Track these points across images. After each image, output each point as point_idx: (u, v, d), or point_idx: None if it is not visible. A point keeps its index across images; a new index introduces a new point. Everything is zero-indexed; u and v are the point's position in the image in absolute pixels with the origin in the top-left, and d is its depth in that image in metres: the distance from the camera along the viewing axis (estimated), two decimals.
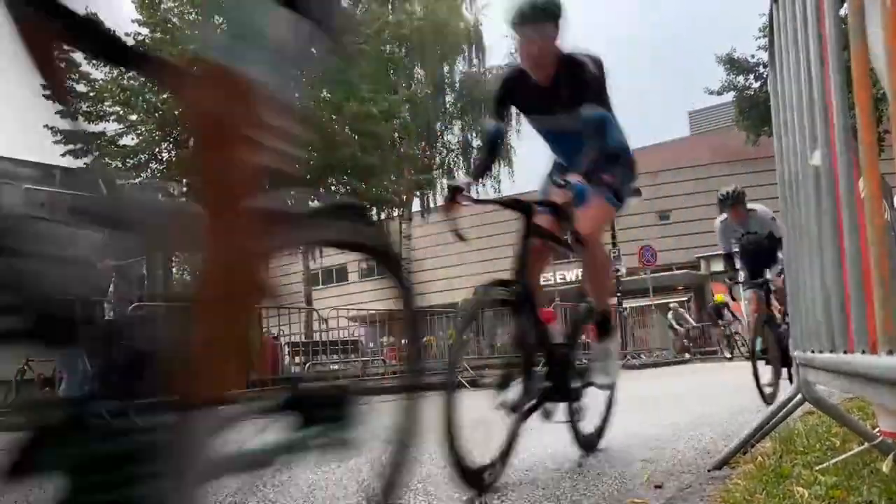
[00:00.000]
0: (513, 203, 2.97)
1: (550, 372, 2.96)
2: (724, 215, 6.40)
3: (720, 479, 2.60)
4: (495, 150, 3.48)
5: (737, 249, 6.60)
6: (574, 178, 2.83)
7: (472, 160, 26.35)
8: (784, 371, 5.91)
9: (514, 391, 2.76)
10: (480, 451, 2.58)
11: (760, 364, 5.94)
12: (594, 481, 2.79)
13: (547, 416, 2.99)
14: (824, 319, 2.08)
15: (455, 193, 3.12)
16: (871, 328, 1.53)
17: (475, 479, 2.51)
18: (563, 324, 3.36)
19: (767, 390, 5.67)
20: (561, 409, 3.07)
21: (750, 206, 6.27)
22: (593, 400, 3.35)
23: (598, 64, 3.11)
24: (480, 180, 3.46)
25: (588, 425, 3.34)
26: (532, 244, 2.91)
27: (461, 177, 4.13)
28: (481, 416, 2.58)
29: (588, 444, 3.37)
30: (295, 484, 3.20)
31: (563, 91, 3.10)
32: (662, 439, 3.88)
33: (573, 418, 3.19)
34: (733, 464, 2.79)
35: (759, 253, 6.34)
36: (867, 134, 1.52)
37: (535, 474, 3.02)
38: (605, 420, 3.56)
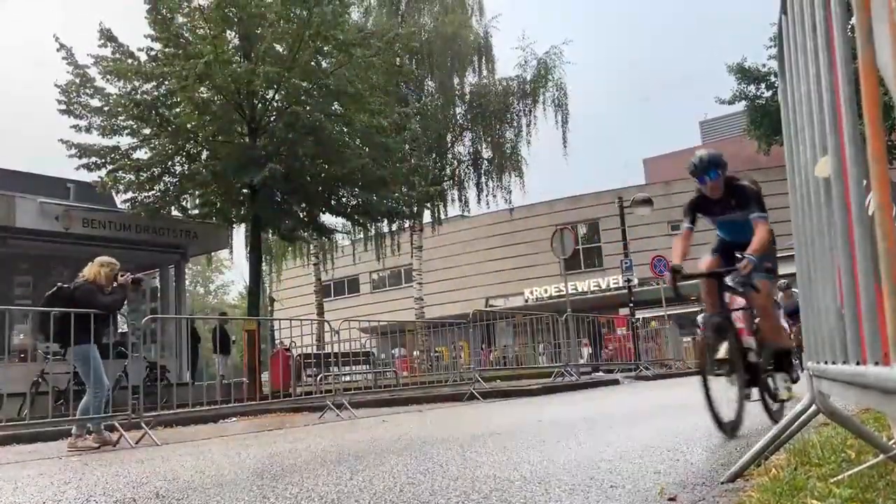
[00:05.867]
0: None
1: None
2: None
3: (734, 492, 2.59)
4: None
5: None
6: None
7: (483, 173, 26.35)
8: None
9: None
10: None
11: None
12: (608, 493, 2.77)
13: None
14: (837, 330, 2.06)
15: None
16: (884, 339, 1.52)
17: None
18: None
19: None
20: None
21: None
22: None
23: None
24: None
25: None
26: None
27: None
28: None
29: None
30: (307, 497, 3.20)
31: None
32: (675, 451, 3.85)
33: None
34: (747, 476, 2.77)
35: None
36: (876, 144, 1.52)
37: (547, 487, 3.01)
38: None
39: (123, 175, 14.95)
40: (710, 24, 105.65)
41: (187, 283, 24.96)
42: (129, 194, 15.40)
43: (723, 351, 4.38)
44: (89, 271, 7.55)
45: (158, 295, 18.22)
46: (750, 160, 32.75)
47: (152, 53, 14.73)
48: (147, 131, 15.12)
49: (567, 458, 3.92)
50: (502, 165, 26.11)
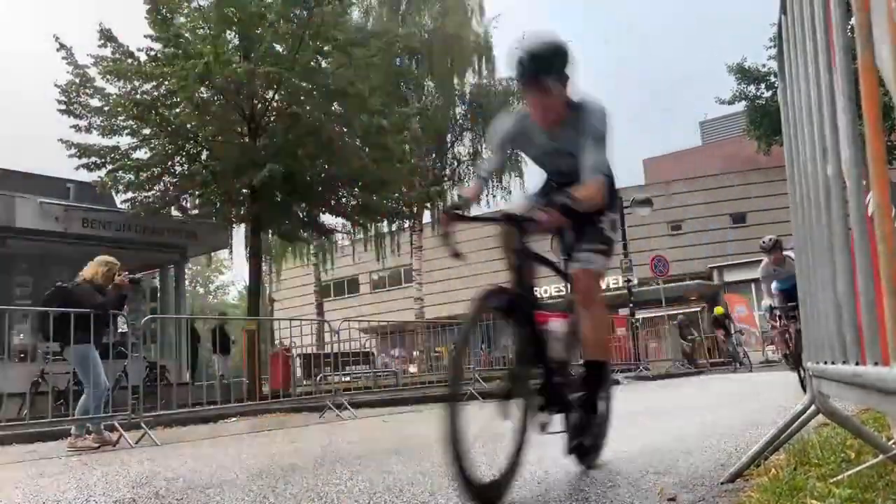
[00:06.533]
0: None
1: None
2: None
3: (733, 492, 2.59)
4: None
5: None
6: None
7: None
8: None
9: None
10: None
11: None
12: (606, 493, 2.77)
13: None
14: (836, 331, 2.07)
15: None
16: (883, 340, 1.52)
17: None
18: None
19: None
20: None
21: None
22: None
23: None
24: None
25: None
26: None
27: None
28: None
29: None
30: (308, 497, 3.20)
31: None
32: (675, 451, 3.85)
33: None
34: (747, 476, 2.77)
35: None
36: (876, 144, 1.52)
37: (547, 486, 3.01)
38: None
39: (123, 175, 14.95)
40: (710, 24, 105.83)
41: (187, 283, 24.95)
42: (129, 194, 15.40)
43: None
44: (88, 271, 7.55)
45: (158, 295, 18.23)
46: (750, 160, 32.81)
47: (152, 53, 14.73)
48: (147, 131, 15.12)
49: (566, 457, 3.92)
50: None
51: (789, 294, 7.82)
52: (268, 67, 13.91)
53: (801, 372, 7.43)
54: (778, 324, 8.48)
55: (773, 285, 8.37)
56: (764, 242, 8.18)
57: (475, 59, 26.50)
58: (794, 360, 8.06)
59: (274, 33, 14.56)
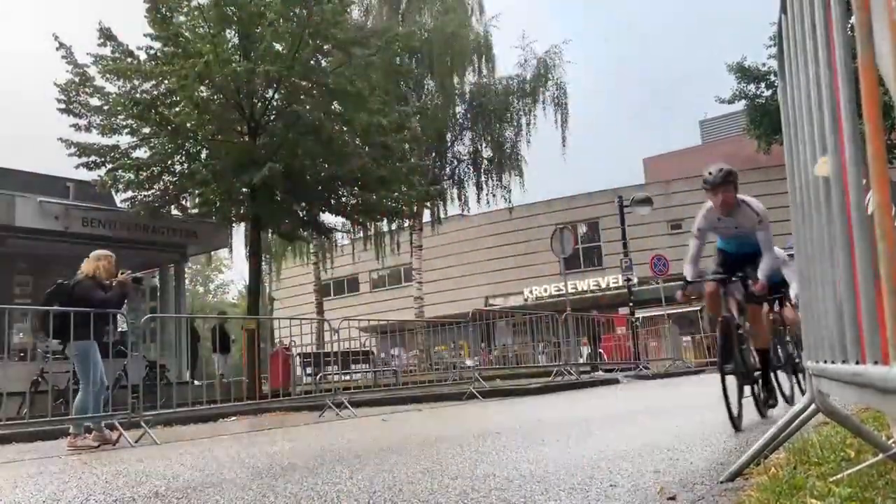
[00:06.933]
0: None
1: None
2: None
3: (733, 491, 2.59)
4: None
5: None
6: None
7: (482, 172, 26.34)
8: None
9: None
10: None
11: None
12: (607, 492, 2.77)
13: None
14: (836, 330, 2.07)
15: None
16: (883, 339, 1.52)
17: None
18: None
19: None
20: None
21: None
22: None
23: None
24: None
25: None
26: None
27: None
28: None
29: None
30: (307, 496, 3.20)
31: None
32: (675, 450, 3.85)
33: None
34: (747, 475, 2.77)
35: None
36: (876, 142, 1.52)
37: (547, 486, 3.01)
38: None
39: (123, 174, 14.93)
40: (710, 23, 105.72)
41: (187, 282, 24.94)
42: (129, 193, 15.39)
43: None
44: (87, 266, 7.54)
45: (158, 294, 18.22)
46: (750, 160, 32.78)
47: (152, 52, 14.72)
48: (147, 130, 15.10)
49: (567, 456, 3.92)
50: (502, 165, 26.11)
51: (735, 260, 5.21)
52: (267, 66, 13.90)
53: (725, 376, 4.58)
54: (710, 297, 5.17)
55: (716, 244, 5.45)
56: (710, 174, 4.93)
57: (475, 59, 26.43)
58: (727, 358, 4.85)
59: (273, 32, 14.54)
